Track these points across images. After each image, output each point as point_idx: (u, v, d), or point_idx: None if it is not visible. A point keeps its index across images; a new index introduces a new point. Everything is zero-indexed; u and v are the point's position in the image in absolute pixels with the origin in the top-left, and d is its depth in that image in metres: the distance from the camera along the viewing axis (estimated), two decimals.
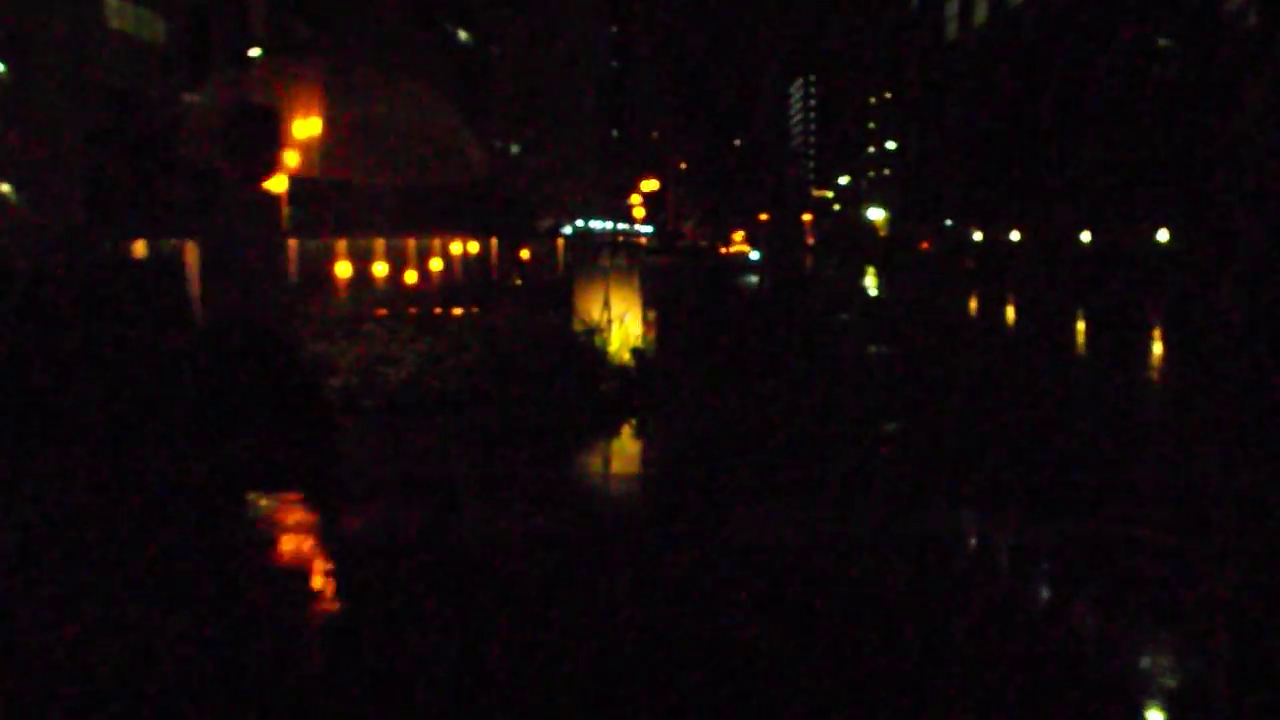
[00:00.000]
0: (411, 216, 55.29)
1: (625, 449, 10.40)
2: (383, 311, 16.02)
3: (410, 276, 21.63)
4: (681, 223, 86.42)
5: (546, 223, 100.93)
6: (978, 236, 54.00)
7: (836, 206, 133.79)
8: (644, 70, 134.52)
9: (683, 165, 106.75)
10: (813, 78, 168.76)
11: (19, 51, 35.60)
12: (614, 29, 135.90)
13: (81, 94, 37.61)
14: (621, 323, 12.98)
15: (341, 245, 17.68)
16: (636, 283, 13.19)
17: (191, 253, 12.74)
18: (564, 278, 18.95)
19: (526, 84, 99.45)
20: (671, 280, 25.29)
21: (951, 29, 63.32)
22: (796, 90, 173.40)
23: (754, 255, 70.52)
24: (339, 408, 10.94)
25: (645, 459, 10.05)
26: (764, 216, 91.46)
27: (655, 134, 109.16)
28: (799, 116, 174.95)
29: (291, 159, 18.29)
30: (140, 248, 16.39)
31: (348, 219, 22.98)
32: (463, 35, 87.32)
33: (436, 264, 23.75)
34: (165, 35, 44.44)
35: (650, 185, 73.64)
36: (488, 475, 8.56)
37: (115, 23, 41.07)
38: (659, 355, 12.94)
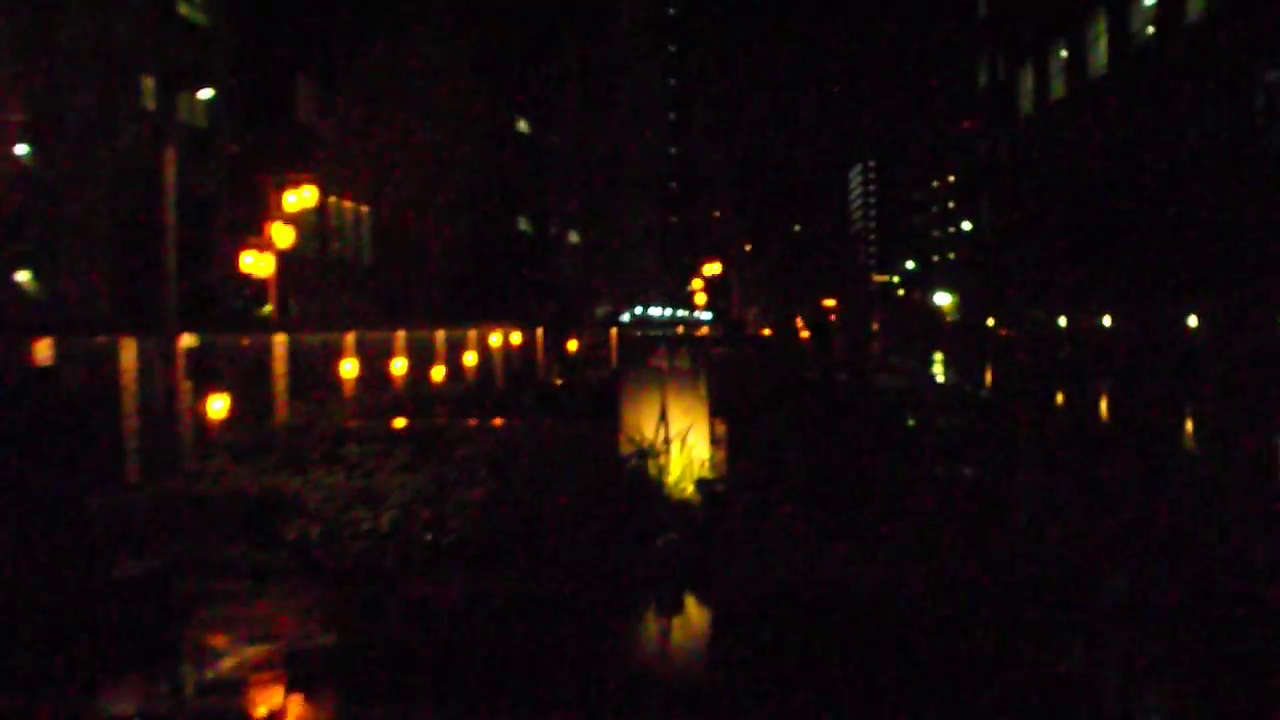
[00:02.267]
0: (451, 302, 52.93)
1: (685, 647, 7.23)
2: (401, 422, 13.03)
3: (438, 374, 18.69)
4: (744, 310, 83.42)
5: (604, 310, 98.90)
6: (1062, 322, 50.37)
7: (900, 291, 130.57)
8: (704, 155, 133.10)
9: (747, 246, 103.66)
10: (871, 163, 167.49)
11: (45, 135, 33.88)
12: (672, 115, 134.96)
13: (114, 179, 35.84)
14: (683, 443, 9.87)
15: (349, 339, 14.80)
16: (702, 389, 10.09)
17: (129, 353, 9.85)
18: (612, 379, 15.91)
19: (585, 171, 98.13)
20: (742, 378, 21.82)
21: (1026, 104, 60.32)
22: (856, 175, 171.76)
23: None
24: (287, 569, 7.92)
25: (715, 664, 6.88)
26: (830, 302, 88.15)
27: (717, 213, 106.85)
28: (859, 201, 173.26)
29: (284, 236, 15.54)
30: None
31: (367, 309, 20.21)
32: (522, 125, 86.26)
33: (470, 359, 20.81)
34: (207, 118, 42.70)
35: (713, 269, 70.61)
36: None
37: (150, 103, 39.33)
38: (733, 485, 9.77)
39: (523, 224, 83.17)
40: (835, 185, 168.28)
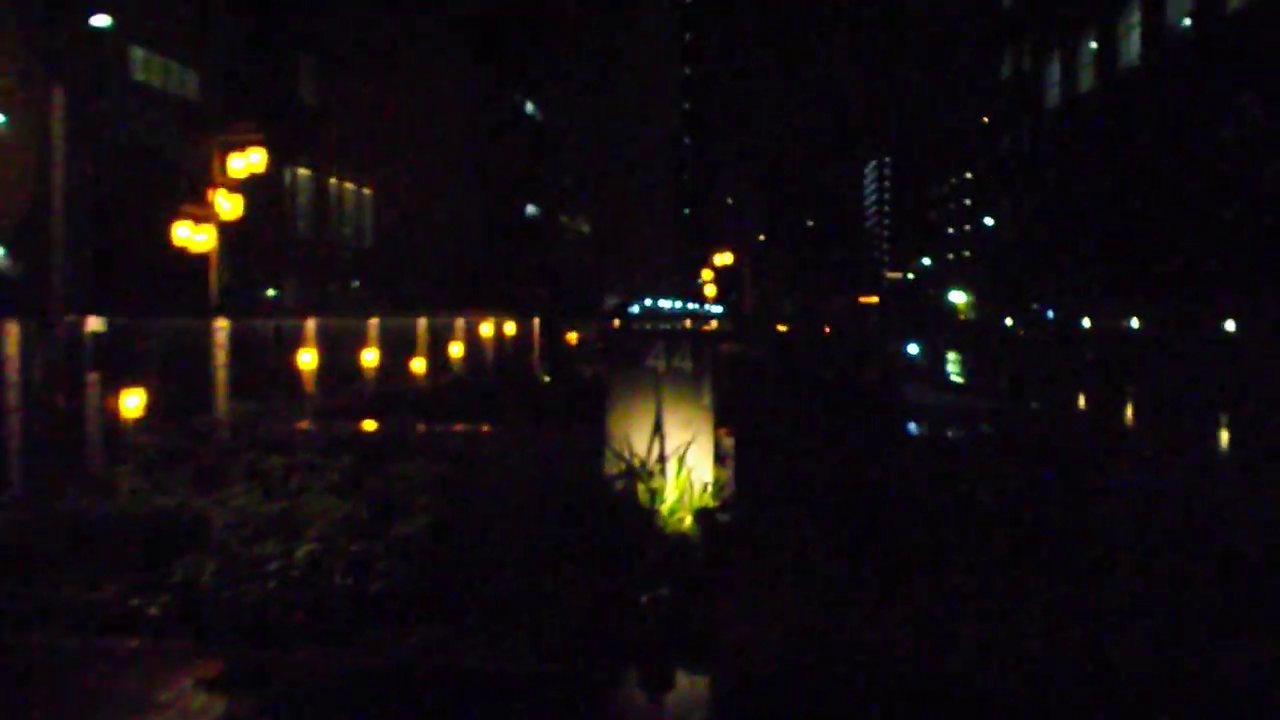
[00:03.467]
0: (453, 289, 51.09)
1: None
2: (364, 425, 11.23)
3: (418, 367, 16.87)
4: (757, 303, 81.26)
5: (613, 301, 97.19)
6: (1086, 323, 48.40)
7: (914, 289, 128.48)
8: (718, 146, 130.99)
9: (761, 236, 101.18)
10: (887, 159, 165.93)
11: (24, 104, 32.07)
12: (686, 105, 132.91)
13: (96, 151, 34.06)
14: (682, 462, 8.08)
15: (310, 326, 12.98)
16: (706, 396, 8.28)
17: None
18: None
19: (596, 158, 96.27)
20: (755, 380, 19.70)
21: (1052, 95, 58.27)
22: (870, 170, 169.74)
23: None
24: (164, 620, 6.17)
25: None
26: (872, 299, 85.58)
27: (730, 199, 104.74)
28: (873, 197, 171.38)
29: (229, 206, 13.79)
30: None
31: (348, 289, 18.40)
32: (530, 108, 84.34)
33: (457, 350, 18.97)
34: (199, 90, 40.88)
35: (724, 259, 68.18)
36: None
37: (141, 75, 37.57)
38: (741, 517, 7.95)
39: (530, 210, 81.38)
40: (850, 181, 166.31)
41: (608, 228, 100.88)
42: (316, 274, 50.62)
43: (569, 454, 8.80)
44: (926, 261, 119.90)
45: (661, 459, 8.15)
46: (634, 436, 8.22)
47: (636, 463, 8.04)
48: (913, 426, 15.94)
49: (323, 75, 51.89)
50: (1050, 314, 56.33)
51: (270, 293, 47.75)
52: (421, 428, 10.70)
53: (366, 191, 58.60)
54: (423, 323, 17.39)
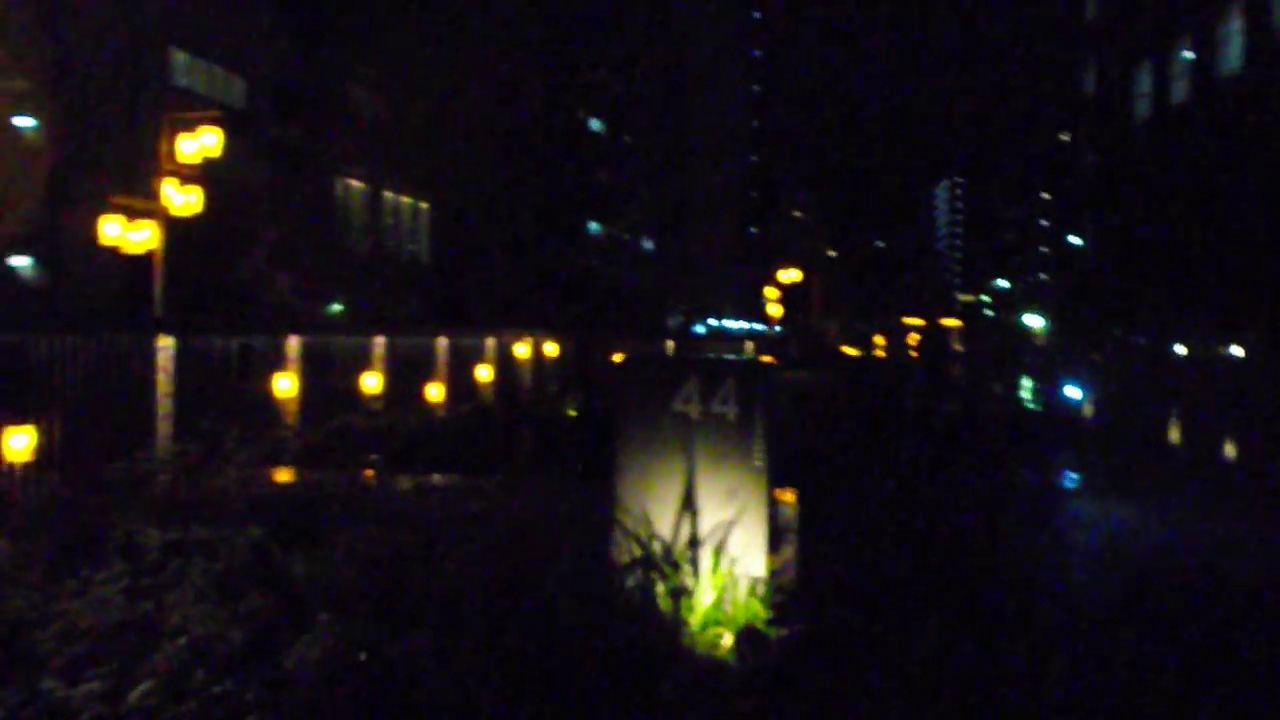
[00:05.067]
0: (509, 306, 49.04)
1: None
2: (325, 476, 8.97)
3: (435, 394, 14.61)
4: (826, 324, 78.24)
5: (675, 321, 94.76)
6: (1180, 349, 45.16)
7: (989, 312, 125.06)
8: (785, 165, 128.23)
9: (831, 252, 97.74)
10: (959, 179, 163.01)
11: (51, 106, 30.57)
12: (756, 123, 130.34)
13: (131, 158, 32.49)
14: (721, 550, 5.73)
15: (292, 345, 10.80)
16: (759, 455, 5.89)
17: None
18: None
19: (660, 174, 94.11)
20: (827, 417, 16.26)
21: (1141, 108, 55.10)
22: (942, 190, 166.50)
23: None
24: None
25: None
26: (953, 321, 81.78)
27: (798, 214, 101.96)
28: (945, 218, 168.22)
29: (182, 199, 11.67)
30: None
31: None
32: (595, 124, 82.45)
33: (485, 374, 16.70)
34: (244, 98, 39.33)
35: (790, 275, 65.01)
36: None
37: (183, 80, 36.05)
38: (804, 629, 5.52)
39: (593, 227, 79.34)
40: (921, 201, 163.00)
41: (672, 245, 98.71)
42: (369, 290, 48.90)
43: (572, 524, 6.47)
44: (1002, 284, 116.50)
45: (693, 544, 5.80)
46: (654, 509, 5.89)
47: (657, 549, 5.70)
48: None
49: (378, 87, 50.33)
50: (1141, 340, 53.05)
51: (336, 308, 46.14)
52: (405, 480, 8.41)
53: (423, 205, 56.95)
54: (443, 342, 15.14)
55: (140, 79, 33.59)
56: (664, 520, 5.88)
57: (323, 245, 44.83)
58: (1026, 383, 44.25)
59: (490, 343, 17.11)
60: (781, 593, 5.74)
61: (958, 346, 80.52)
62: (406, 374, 14.20)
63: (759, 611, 5.58)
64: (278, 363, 11.00)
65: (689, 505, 5.85)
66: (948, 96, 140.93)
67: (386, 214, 53.04)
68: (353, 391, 12.78)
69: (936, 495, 9.66)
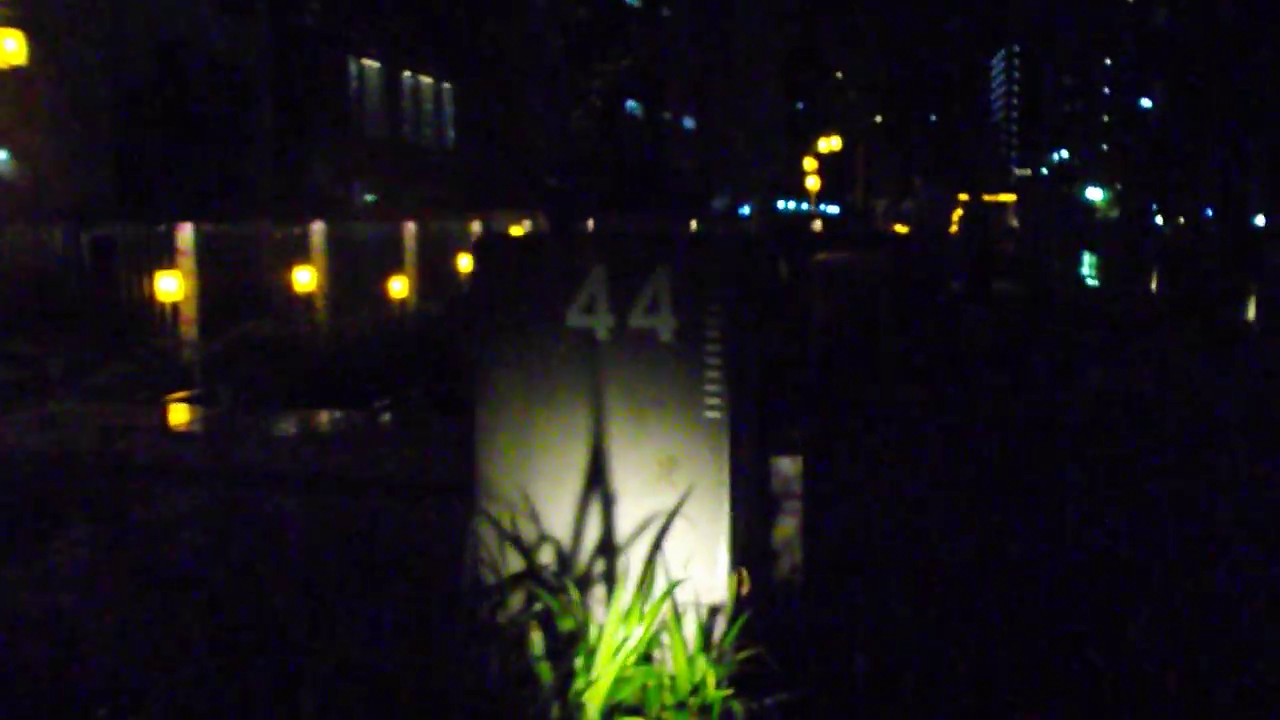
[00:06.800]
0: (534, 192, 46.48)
1: None
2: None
3: (399, 289, 12.20)
4: (872, 200, 74.50)
5: (722, 203, 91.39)
6: (1260, 220, 41.89)
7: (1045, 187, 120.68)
8: (831, 37, 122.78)
9: (878, 118, 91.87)
10: (1016, 48, 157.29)
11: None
12: None
13: (121, 50, 30.13)
14: (652, 566, 3.34)
15: (184, 237, 8.42)
16: (711, 397, 3.42)
17: None
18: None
19: (701, 48, 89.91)
20: (864, 304, 11.66)
21: None
22: (999, 61, 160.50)
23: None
24: None
25: None
26: (1008, 196, 77.14)
27: (839, 73, 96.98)
28: (1001, 89, 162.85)
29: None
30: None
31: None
32: None
33: (467, 264, 14.23)
34: None
35: (830, 144, 60.11)
36: None
37: None
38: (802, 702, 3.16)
39: (631, 105, 75.93)
40: (977, 73, 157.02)
41: (717, 124, 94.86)
42: (388, 177, 46.39)
43: (426, 530, 4.09)
44: (1062, 155, 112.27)
45: (605, 552, 3.41)
46: (539, 490, 3.49)
47: (546, 562, 3.32)
48: None
49: None
50: (1210, 212, 49.68)
51: (369, 198, 43.77)
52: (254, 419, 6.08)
53: (446, 86, 53.97)
54: (411, 229, 12.69)
55: None
56: (557, 511, 3.49)
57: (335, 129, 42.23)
58: (1089, 259, 41.28)
59: (475, 228, 14.63)
60: (748, 642, 3.31)
61: (1014, 222, 76.85)
62: (365, 266, 11.83)
63: (708, 672, 3.19)
64: (169, 258, 8.65)
65: (596, 486, 3.44)
66: None
67: (405, 97, 50.21)
68: (283, 290, 10.45)
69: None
